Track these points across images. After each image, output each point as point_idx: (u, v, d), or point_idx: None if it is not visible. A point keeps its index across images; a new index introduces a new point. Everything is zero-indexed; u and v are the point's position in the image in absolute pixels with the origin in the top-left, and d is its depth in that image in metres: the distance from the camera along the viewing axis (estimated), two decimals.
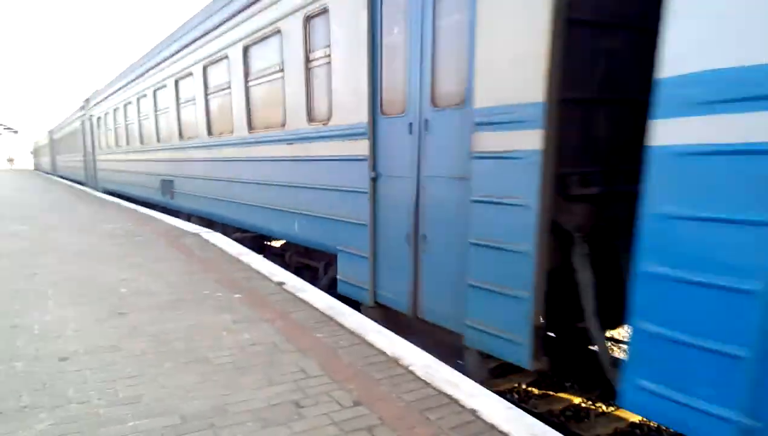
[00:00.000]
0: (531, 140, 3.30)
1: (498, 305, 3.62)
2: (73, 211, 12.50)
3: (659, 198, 2.61)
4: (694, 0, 2.43)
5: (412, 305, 4.58)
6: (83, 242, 7.97)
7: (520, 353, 3.50)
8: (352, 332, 4.06)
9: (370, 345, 3.80)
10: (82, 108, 23.04)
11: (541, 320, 3.45)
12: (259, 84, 7.00)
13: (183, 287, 5.35)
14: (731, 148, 2.34)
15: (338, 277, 5.52)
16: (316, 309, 4.63)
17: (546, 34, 3.16)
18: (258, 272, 5.95)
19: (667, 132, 2.55)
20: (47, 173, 51.13)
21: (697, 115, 2.44)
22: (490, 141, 3.60)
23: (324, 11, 5.36)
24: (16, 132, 68.60)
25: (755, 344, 2.33)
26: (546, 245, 3.37)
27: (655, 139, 2.59)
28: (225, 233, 8.80)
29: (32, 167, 73.81)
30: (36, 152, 74.34)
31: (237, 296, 5.03)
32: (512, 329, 3.53)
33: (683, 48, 2.47)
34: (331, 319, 4.37)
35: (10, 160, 73.83)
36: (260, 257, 6.74)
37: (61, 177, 38.47)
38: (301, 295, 5.04)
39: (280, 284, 5.42)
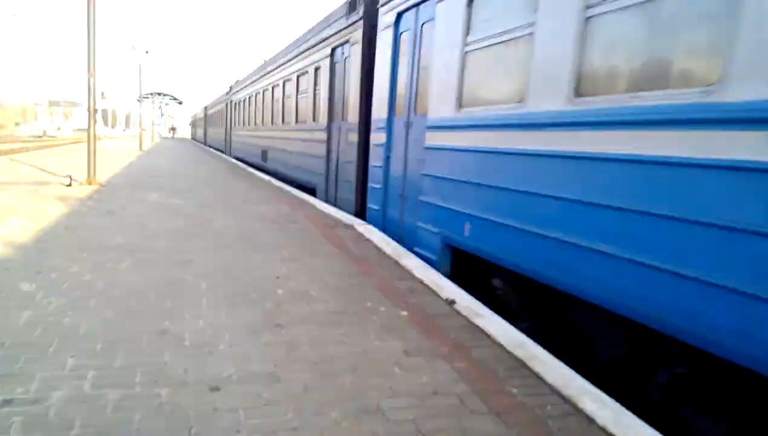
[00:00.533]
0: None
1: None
2: (228, 188, 12.75)
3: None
4: None
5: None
6: (238, 225, 7.79)
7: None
8: (556, 391, 3.15)
9: (589, 418, 2.87)
10: (227, 93, 29.67)
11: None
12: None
13: (342, 293, 4.75)
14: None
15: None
16: (500, 345, 3.77)
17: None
18: (422, 283, 5.21)
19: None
20: (201, 142, 55.80)
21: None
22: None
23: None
24: (180, 103, 74.79)
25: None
26: None
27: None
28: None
29: (189, 137, 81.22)
30: (193, 124, 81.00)
31: (403, 313, 4.31)
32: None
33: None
34: (523, 365, 3.48)
35: (173, 130, 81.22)
36: (420, 262, 5.99)
37: (210, 146, 43.56)
38: (478, 321, 4.18)
39: (451, 302, 4.62)
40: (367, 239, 7.06)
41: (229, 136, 28.64)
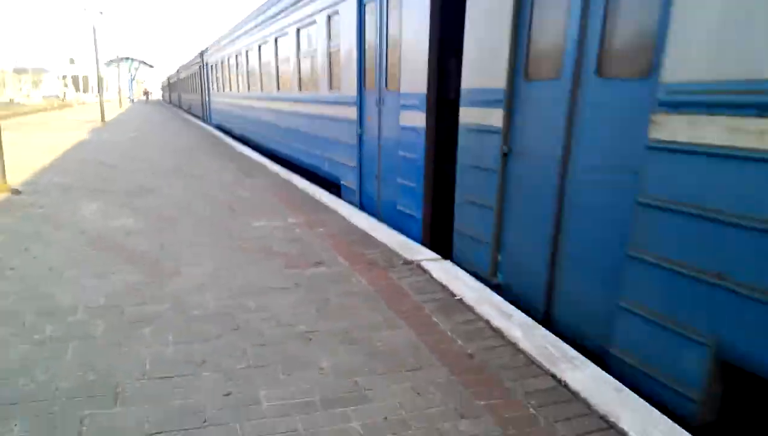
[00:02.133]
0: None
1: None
2: (205, 177, 9.17)
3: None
4: None
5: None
6: (223, 272, 4.36)
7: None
8: None
9: None
10: (201, 55, 27.33)
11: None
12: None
13: None
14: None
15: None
16: None
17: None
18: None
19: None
20: (175, 106, 53.52)
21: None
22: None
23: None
24: (151, 66, 69.98)
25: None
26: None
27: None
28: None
29: (161, 99, 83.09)
30: (165, 88, 78.81)
31: None
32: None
33: None
34: None
35: (146, 94, 75.96)
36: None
37: (186, 111, 41.22)
38: None
39: None
40: (459, 300, 3.70)
41: (207, 102, 26.36)
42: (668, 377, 2.77)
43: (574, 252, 3.49)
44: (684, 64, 2.62)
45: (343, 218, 6.32)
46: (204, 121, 27.34)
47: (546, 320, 3.73)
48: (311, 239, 5.46)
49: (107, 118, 26.88)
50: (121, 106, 40.10)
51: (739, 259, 2.41)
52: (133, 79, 70.34)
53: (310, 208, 6.88)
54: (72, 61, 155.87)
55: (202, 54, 26.87)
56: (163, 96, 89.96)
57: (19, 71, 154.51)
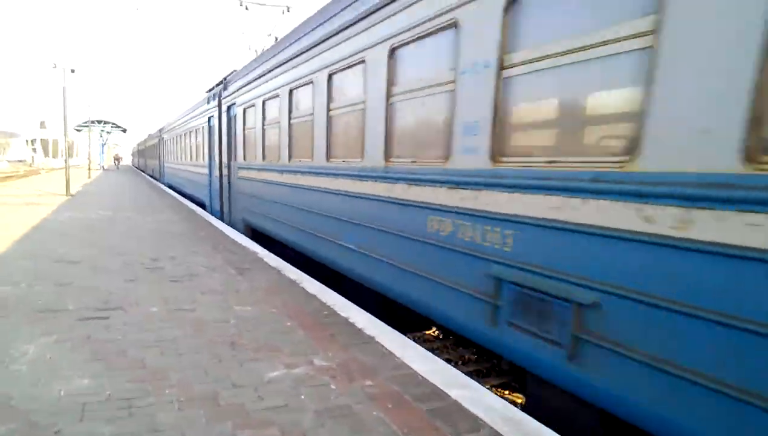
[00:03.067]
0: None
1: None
2: (188, 279, 7.26)
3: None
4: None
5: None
6: None
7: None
8: None
9: None
10: (159, 131, 37.92)
11: None
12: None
13: None
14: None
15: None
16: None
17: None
18: None
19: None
20: (142, 170, 54.30)
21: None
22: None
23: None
24: (124, 131, 68.04)
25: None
26: None
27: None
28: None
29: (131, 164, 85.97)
30: (135, 154, 78.49)
31: None
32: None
33: None
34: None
35: (117, 160, 73.54)
36: None
37: (149, 174, 48.85)
38: None
39: None
40: None
41: (162, 165, 36.30)
42: (241, 228, 13.13)
43: (232, 205, 14.26)
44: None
45: (390, 356, 4.48)
46: (158, 180, 38.32)
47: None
48: (361, 403, 3.59)
49: (74, 189, 25.05)
50: (89, 176, 37.68)
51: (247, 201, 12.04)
52: (104, 144, 68.23)
53: (339, 335, 5.03)
54: (42, 125, 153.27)
55: (160, 130, 36.37)
56: (132, 161, 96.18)
57: None
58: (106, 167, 68.73)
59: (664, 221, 2.85)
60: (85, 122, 48.50)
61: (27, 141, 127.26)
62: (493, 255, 4.17)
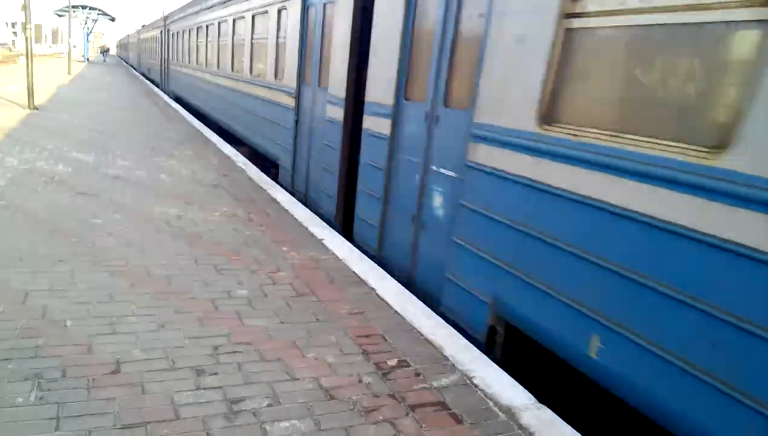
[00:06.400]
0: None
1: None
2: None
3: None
4: None
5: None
6: None
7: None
8: None
9: None
10: (164, 20, 26.16)
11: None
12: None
13: None
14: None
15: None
16: None
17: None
18: None
19: None
20: (132, 67, 51.49)
21: None
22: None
23: None
24: (113, 19, 62.96)
25: None
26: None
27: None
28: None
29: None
30: (123, 47, 75.37)
31: None
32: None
33: None
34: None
35: (105, 51, 68.83)
36: None
37: (143, 74, 41.67)
38: None
39: None
40: None
41: (165, 70, 27.00)
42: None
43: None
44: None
45: None
46: (162, 89, 27.90)
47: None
48: None
49: (44, 94, 18.49)
50: (69, 71, 33.93)
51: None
52: (90, 33, 63.35)
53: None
54: (24, 7, 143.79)
55: (165, 19, 26.06)
56: (119, 53, 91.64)
57: None
58: (90, 60, 64.11)
59: None
60: (66, 8, 43.52)
61: (7, 23, 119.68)
62: None
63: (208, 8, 14.90)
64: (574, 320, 3.25)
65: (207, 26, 15.41)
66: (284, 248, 5.53)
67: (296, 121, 8.23)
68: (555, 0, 3.32)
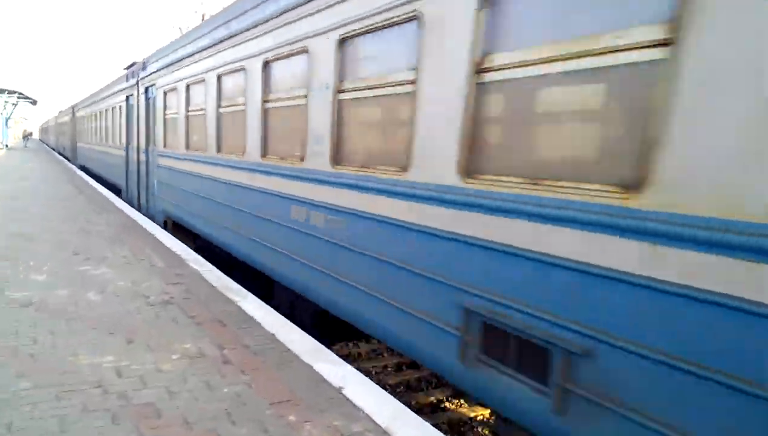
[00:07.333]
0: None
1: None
2: None
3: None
4: None
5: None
6: None
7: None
8: None
9: None
10: (72, 107, 35.04)
11: None
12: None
13: None
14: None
15: None
16: None
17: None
18: None
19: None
20: (53, 149, 51.06)
21: None
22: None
23: None
24: (34, 103, 59.64)
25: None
26: None
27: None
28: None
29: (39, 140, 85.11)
30: (44, 130, 73.45)
31: None
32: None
33: None
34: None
35: (27, 136, 64.79)
36: None
37: (59, 153, 46.86)
38: None
39: None
40: None
41: (75, 145, 34.15)
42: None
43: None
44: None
45: None
46: (70, 161, 35.49)
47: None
48: None
49: None
50: None
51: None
52: (9, 118, 59.60)
53: None
54: None
55: (73, 107, 33.87)
56: (41, 137, 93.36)
57: None
58: (9, 146, 59.97)
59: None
60: None
61: None
62: None
63: (101, 99, 21.61)
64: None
65: (93, 112, 23.66)
66: (291, 418, 3.56)
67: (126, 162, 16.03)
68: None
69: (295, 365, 4.41)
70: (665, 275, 2.47)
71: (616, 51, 2.70)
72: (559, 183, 2.99)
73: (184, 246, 8.97)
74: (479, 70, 3.46)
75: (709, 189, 2.33)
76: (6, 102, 54.90)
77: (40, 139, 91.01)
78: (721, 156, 2.29)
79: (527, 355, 3.21)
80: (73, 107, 33.75)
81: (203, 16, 16.01)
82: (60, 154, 45.79)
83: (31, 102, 58.14)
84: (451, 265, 3.72)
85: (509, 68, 3.28)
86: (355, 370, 4.39)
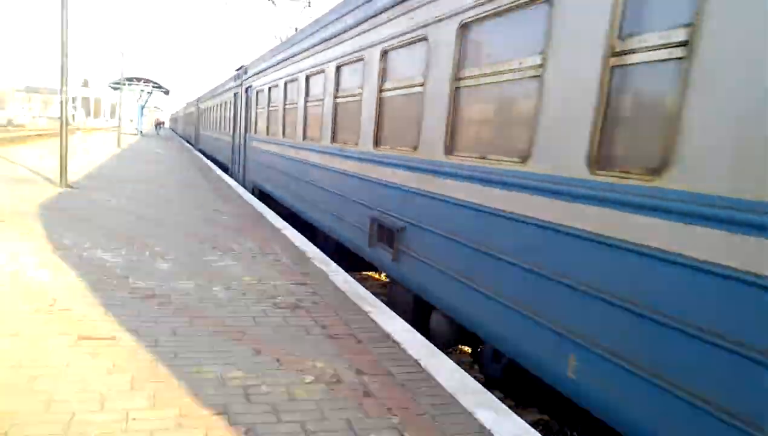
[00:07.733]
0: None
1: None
2: None
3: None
4: None
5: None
6: None
7: None
8: None
9: None
10: (196, 100, 38.63)
11: None
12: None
13: None
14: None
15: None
16: None
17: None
18: None
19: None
20: (181, 137, 54.30)
21: None
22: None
23: None
24: (167, 92, 63.61)
25: None
26: None
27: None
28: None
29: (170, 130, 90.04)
30: (174, 120, 77.81)
31: None
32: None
33: None
34: None
35: (159, 124, 69.58)
36: None
37: (186, 140, 49.85)
38: None
39: None
40: None
41: (197, 132, 38.06)
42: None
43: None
44: None
45: None
46: (192, 145, 41.81)
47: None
48: None
49: (83, 168, 17.35)
50: (119, 144, 33.05)
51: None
52: (144, 106, 64.19)
53: None
54: (85, 83, 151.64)
55: (197, 100, 37.94)
56: (171, 126, 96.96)
57: (31, 91, 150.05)
58: (143, 132, 64.54)
59: None
60: (120, 80, 43.22)
61: (70, 98, 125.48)
62: None
63: (217, 95, 25.13)
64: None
65: (214, 105, 26.36)
66: None
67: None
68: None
69: (453, 410, 3.53)
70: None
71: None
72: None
73: (309, 243, 8.42)
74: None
75: None
76: (142, 90, 58.99)
77: (171, 129, 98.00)
78: None
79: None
80: (197, 100, 37.29)
81: (296, 29, 19.62)
82: (187, 142, 48.44)
83: (164, 92, 62.09)
84: None
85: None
86: (527, 425, 3.44)
